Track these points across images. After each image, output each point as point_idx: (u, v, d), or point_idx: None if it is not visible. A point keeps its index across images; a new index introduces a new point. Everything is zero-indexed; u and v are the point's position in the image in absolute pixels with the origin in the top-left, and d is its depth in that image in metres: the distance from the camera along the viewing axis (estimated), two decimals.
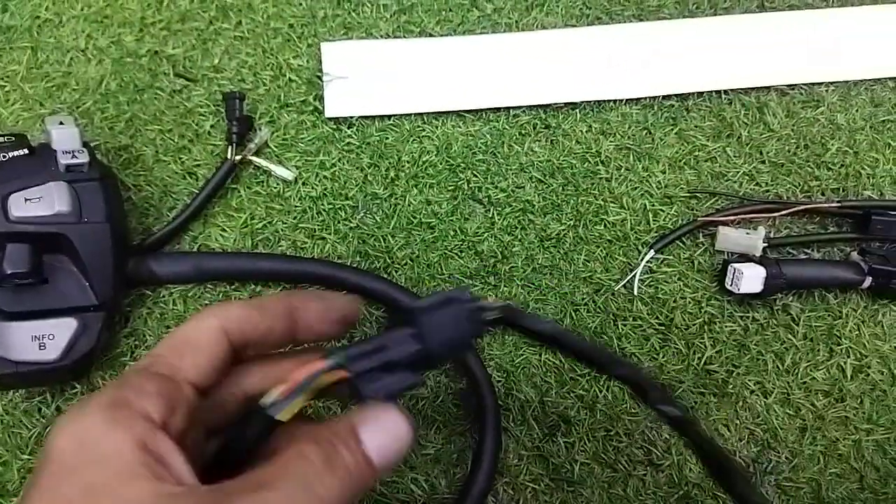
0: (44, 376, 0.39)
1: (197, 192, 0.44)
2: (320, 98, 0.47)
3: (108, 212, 0.39)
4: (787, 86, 0.50)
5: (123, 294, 0.42)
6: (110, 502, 0.20)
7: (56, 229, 0.37)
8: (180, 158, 0.45)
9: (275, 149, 0.46)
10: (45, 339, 0.37)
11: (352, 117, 0.47)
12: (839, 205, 0.47)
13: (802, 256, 0.48)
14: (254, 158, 0.45)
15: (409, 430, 0.24)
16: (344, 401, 0.41)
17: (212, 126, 0.46)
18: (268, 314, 0.27)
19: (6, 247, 0.37)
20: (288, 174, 0.45)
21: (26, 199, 0.37)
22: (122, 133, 0.45)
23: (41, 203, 0.37)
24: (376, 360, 0.26)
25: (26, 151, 0.38)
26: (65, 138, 0.38)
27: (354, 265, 0.45)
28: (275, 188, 0.46)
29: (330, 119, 0.47)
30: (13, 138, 0.39)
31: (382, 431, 0.23)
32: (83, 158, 0.38)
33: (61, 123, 0.39)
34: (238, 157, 0.44)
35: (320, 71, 0.48)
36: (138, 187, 0.45)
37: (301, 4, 0.49)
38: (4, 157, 0.38)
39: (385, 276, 0.45)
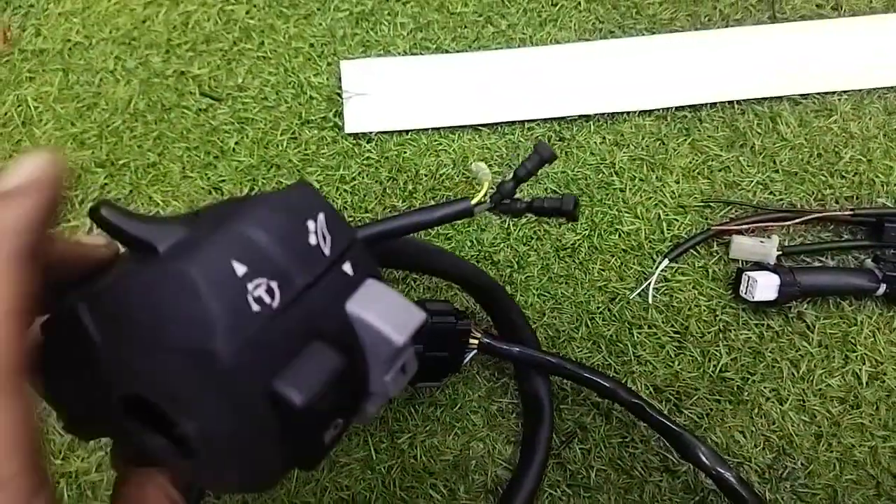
0: None
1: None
2: (340, 114, 0.50)
3: None
4: (800, 95, 0.52)
5: None
6: None
7: None
8: (206, 174, 0.48)
9: (297, 163, 0.49)
10: None
11: (371, 132, 0.50)
12: (853, 213, 0.49)
13: (817, 264, 0.50)
14: None
15: None
16: None
17: (236, 143, 0.49)
18: None
19: None
20: None
21: None
22: (150, 150, 0.49)
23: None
24: None
25: None
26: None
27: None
28: None
29: (349, 134, 0.50)
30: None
31: None
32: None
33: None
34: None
35: (340, 88, 0.51)
36: (166, 202, 0.48)
37: (321, 24, 0.52)
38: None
39: (403, 285, 0.47)
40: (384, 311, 0.22)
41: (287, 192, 0.22)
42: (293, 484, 0.43)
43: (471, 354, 0.43)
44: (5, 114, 0.49)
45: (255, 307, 0.18)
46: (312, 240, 0.21)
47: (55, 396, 0.23)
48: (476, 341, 0.43)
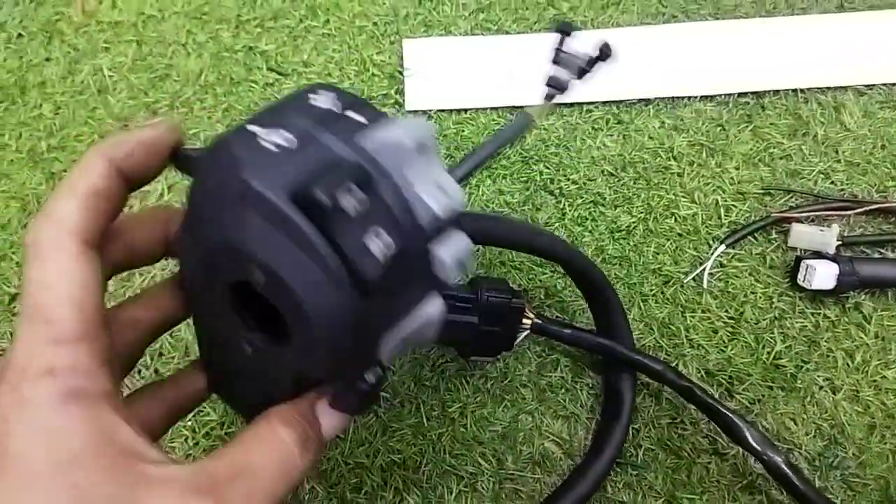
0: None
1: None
2: (401, 92, 0.53)
3: None
4: (865, 86, 0.53)
5: None
6: (100, 498, 0.20)
7: None
8: None
9: None
10: None
11: (430, 110, 0.53)
12: None
13: (876, 255, 0.51)
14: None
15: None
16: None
17: None
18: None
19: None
20: None
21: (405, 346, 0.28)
22: (219, 122, 0.52)
23: (418, 341, 0.28)
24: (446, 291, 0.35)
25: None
26: (455, 245, 0.27)
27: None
28: None
29: (410, 112, 0.53)
30: (359, 196, 0.24)
31: (334, 413, 0.27)
32: (465, 270, 0.28)
33: (436, 181, 0.26)
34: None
35: (401, 66, 0.53)
36: None
37: (384, 3, 0.55)
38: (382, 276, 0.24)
39: None
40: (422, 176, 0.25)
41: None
42: (346, 445, 0.46)
43: (523, 334, 0.45)
44: (82, 82, 0.54)
45: (273, 148, 0.23)
46: (317, 102, 0.26)
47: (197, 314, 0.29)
48: (529, 322, 0.45)
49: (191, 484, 0.22)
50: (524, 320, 0.45)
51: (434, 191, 0.25)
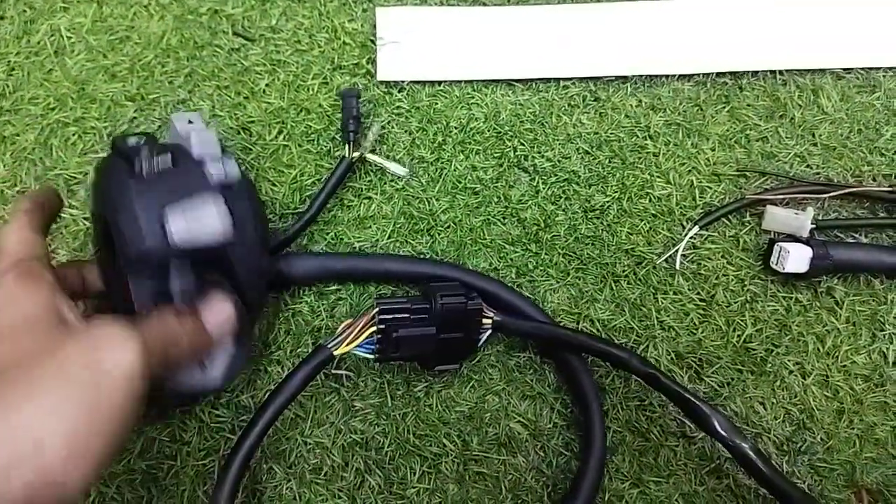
0: (204, 395, 0.44)
1: (317, 191, 0.48)
2: (373, 61, 0.51)
3: (256, 224, 0.40)
4: (844, 69, 0.53)
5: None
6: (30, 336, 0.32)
7: (218, 252, 0.37)
8: (235, 115, 0.50)
9: (326, 108, 0.50)
10: (206, 361, 0.38)
11: (403, 81, 0.51)
12: (890, 189, 0.50)
13: (850, 240, 0.51)
14: (370, 156, 0.49)
15: (232, 307, 0.37)
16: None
17: (267, 85, 0.51)
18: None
19: (170, 270, 0.37)
20: (401, 171, 0.49)
21: (186, 222, 0.37)
22: (181, 87, 0.50)
23: (202, 225, 0.37)
24: (399, 307, 0.42)
25: (170, 164, 0.38)
26: (206, 144, 0.40)
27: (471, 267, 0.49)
28: (325, 147, 0.50)
29: (381, 82, 0.51)
30: (143, 139, 0.39)
31: (214, 311, 0.37)
32: (234, 172, 0.40)
33: (190, 122, 0.41)
34: (356, 155, 0.48)
35: (374, 35, 0.52)
36: None
37: None
38: (153, 172, 0.37)
39: (429, 237, 0.49)
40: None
41: None
42: (306, 424, 0.45)
43: (486, 335, 0.44)
44: (38, 42, 0.51)
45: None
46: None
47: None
48: (489, 321, 0.44)
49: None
50: (484, 320, 0.44)
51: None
